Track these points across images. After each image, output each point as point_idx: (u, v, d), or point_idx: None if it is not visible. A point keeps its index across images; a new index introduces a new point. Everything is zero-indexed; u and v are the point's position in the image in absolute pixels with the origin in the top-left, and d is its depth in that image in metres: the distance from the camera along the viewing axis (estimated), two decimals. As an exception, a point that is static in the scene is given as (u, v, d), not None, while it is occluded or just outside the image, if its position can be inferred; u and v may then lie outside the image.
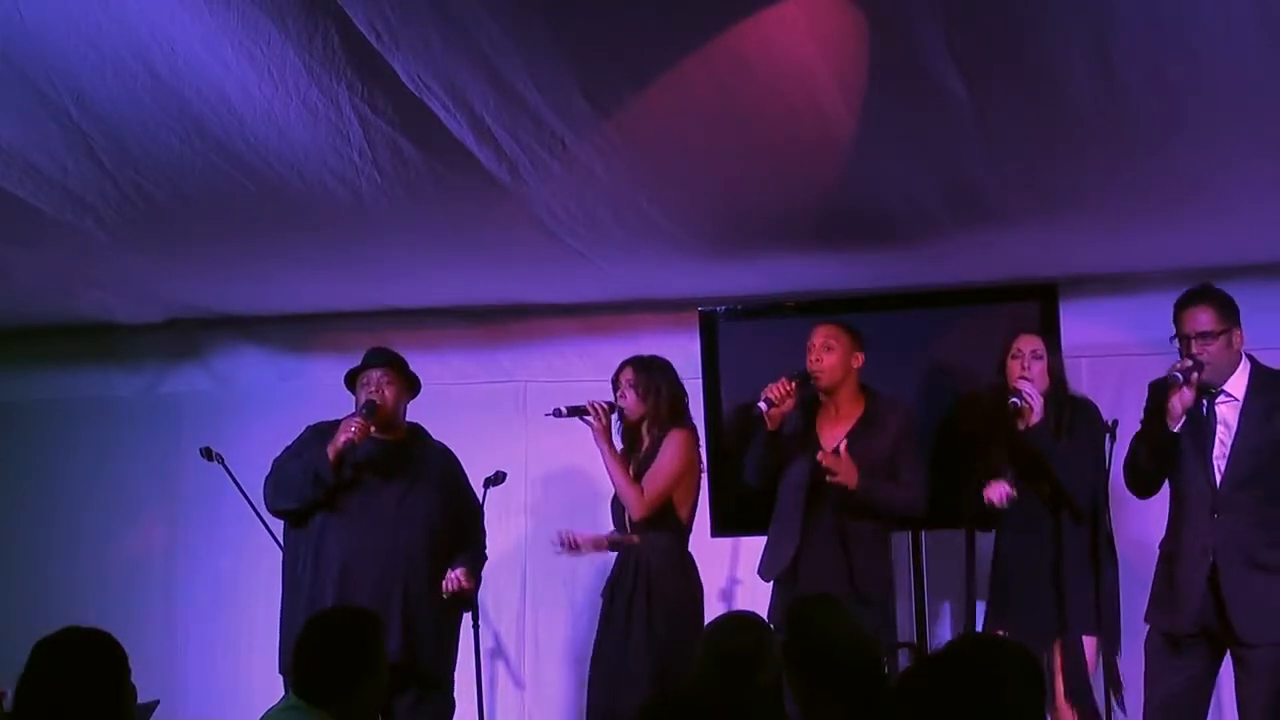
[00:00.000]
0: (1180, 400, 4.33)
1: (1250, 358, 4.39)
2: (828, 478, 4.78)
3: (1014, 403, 4.71)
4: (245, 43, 3.52)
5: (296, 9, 3.39)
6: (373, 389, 5.04)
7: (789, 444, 4.97)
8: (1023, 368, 4.78)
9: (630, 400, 5.14)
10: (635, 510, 5.06)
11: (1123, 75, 3.66)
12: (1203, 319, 4.36)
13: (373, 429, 4.97)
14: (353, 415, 4.98)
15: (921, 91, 3.78)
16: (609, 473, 5.10)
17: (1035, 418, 4.69)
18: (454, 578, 5.00)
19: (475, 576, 5.12)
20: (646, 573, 5.03)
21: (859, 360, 4.98)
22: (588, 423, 5.09)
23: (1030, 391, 4.70)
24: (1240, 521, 4.24)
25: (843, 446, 4.81)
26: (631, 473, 5.09)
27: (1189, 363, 4.33)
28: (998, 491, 4.73)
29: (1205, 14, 3.38)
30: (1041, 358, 4.80)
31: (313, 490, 4.93)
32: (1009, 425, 4.75)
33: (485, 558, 5.26)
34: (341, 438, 4.90)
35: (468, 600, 5.12)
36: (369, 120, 3.94)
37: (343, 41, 3.51)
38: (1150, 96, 3.80)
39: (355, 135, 4.04)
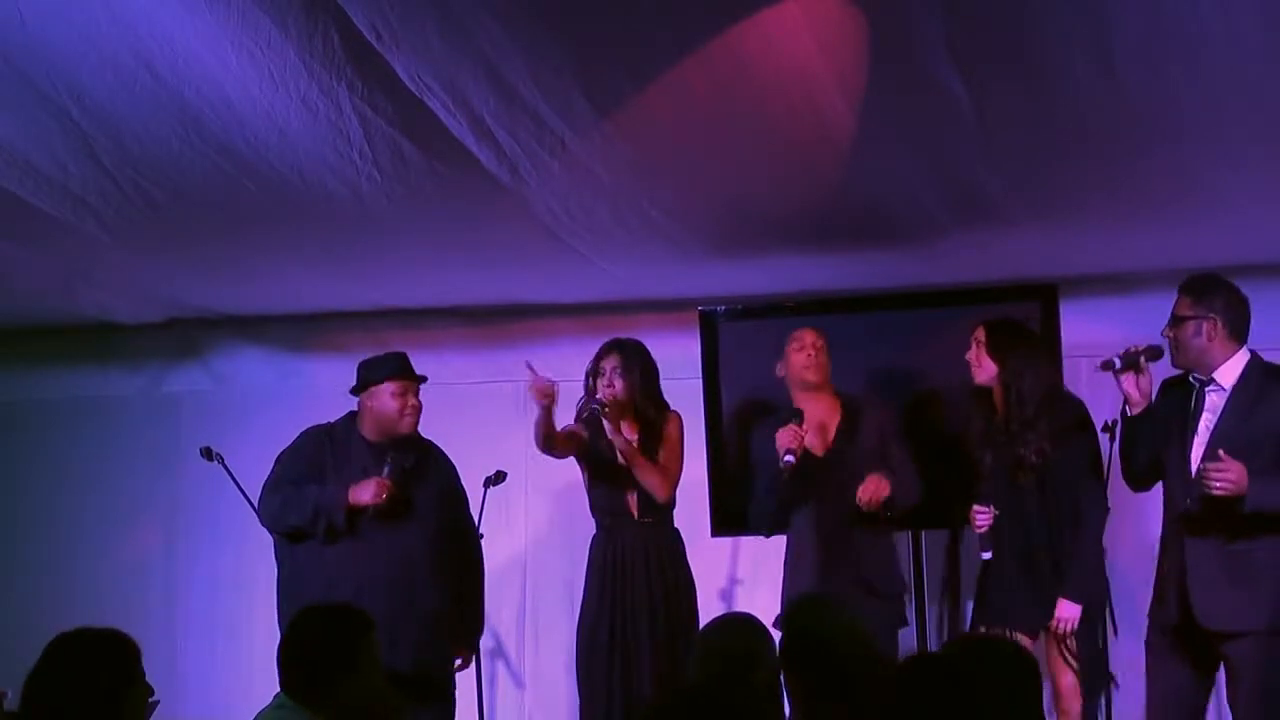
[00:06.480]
0: (1133, 385, 4.40)
1: (1252, 353, 4.39)
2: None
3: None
4: (245, 43, 3.53)
5: (296, 9, 3.39)
6: (408, 413, 4.88)
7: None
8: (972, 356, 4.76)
9: (620, 385, 5.07)
10: (662, 492, 5.06)
11: (1123, 75, 3.66)
12: (1177, 303, 4.38)
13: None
14: (376, 479, 4.77)
15: (921, 91, 3.79)
16: (628, 459, 5.04)
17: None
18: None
19: (473, 650, 5.15)
20: (659, 555, 5.05)
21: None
22: (607, 417, 5.01)
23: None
24: (1211, 511, 4.22)
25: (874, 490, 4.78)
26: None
27: (1134, 347, 4.41)
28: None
29: (1205, 13, 3.38)
30: (981, 341, 4.73)
31: (321, 533, 4.78)
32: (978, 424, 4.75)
33: (482, 620, 5.19)
34: (365, 498, 4.73)
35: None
36: (369, 120, 3.94)
37: (343, 41, 3.52)
38: (1150, 96, 3.81)
39: (355, 135, 4.04)
